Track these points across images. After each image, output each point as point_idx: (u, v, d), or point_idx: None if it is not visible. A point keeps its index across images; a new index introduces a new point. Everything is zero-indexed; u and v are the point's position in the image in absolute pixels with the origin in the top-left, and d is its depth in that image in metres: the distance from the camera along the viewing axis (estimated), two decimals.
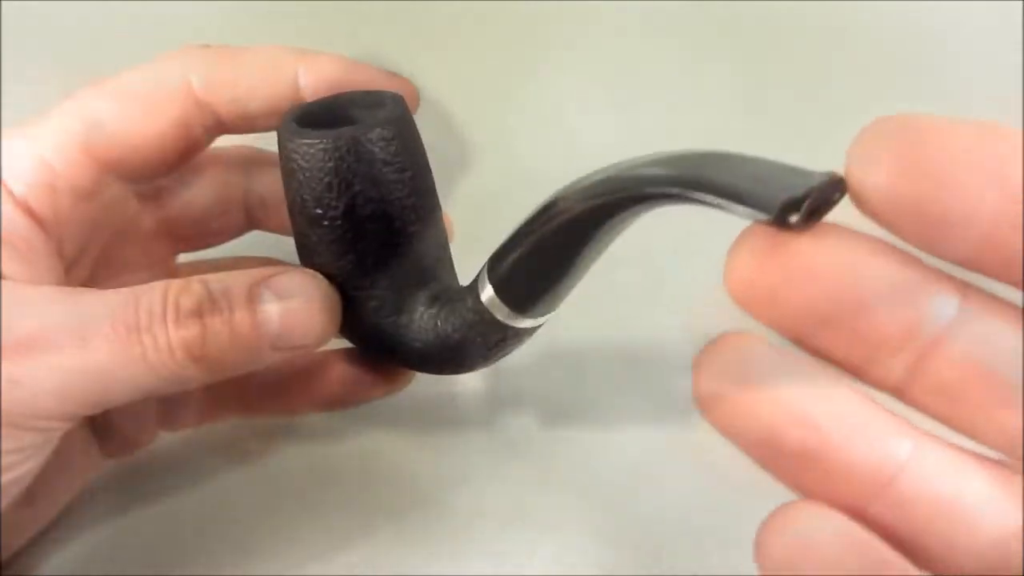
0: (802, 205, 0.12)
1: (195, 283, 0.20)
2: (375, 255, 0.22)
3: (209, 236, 0.27)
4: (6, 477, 0.19)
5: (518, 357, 0.27)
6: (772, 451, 0.14)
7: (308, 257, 0.22)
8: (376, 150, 0.21)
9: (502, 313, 0.21)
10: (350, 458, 0.28)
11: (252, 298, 0.20)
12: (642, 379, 0.31)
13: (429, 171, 0.23)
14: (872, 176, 0.13)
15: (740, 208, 0.13)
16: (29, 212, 0.21)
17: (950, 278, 0.13)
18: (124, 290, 0.19)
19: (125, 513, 0.26)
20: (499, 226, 0.28)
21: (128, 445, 0.26)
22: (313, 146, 0.21)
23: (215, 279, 0.20)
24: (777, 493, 0.27)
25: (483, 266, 0.21)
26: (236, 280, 0.20)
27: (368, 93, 0.23)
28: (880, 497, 0.14)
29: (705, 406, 0.15)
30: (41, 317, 0.19)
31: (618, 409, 0.30)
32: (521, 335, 0.22)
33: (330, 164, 0.21)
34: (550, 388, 0.30)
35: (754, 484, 0.27)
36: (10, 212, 0.21)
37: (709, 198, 0.13)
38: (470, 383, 0.28)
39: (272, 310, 0.20)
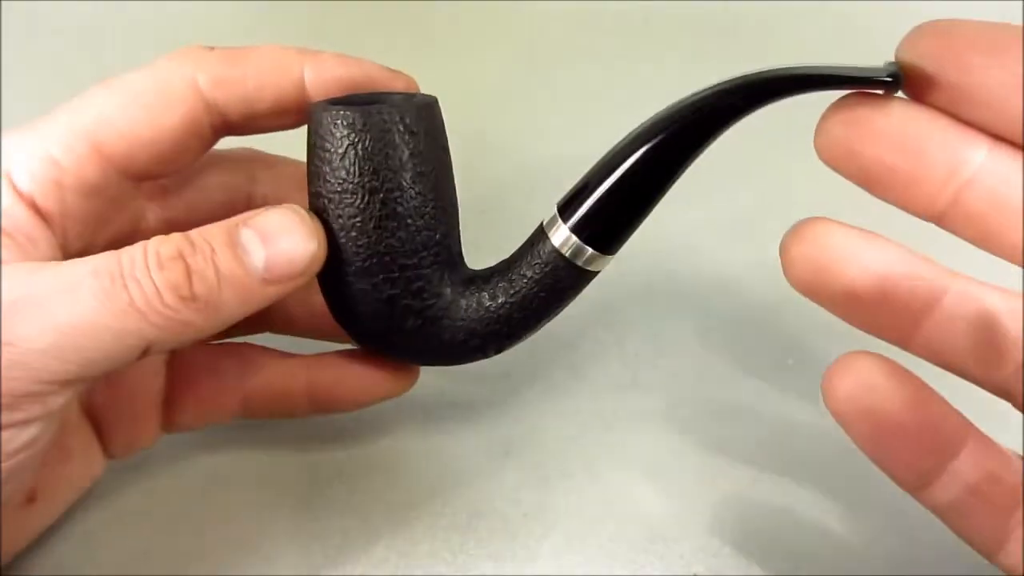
0: (900, 77, 0.18)
1: (173, 234, 0.20)
2: (424, 232, 0.22)
3: None
4: (11, 462, 0.19)
5: (518, 357, 0.27)
6: (849, 299, 0.19)
7: (352, 242, 0.22)
8: (427, 125, 0.22)
9: (581, 256, 0.22)
10: (350, 458, 0.28)
11: (231, 236, 0.20)
12: (644, 378, 0.31)
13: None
14: (918, 62, 0.18)
15: (853, 84, 0.18)
16: (34, 207, 0.21)
17: (982, 134, 0.18)
18: (106, 252, 0.20)
19: (125, 513, 0.26)
20: (485, 229, 0.28)
21: (130, 446, 0.26)
22: (377, 115, 0.21)
23: (193, 231, 0.20)
24: (774, 509, 0.27)
25: (544, 221, 0.23)
26: (213, 226, 0.21)
27: (382, 93, 0.24)
28: (929, 317, 0.19)
29: (794, 277, 0.20)
30: (28, 282, 0.19)
31: (620, 408, 0.30)
32: (584, 283, 0.23)
33: (392, 135, 0.21)
34: (550, 387, 0.30)
35: (754, 484, 0.27)
36: (13, 206, 0.21)
37: (834, 82, 0.18)
38: (471, 384, 0.28)
39: (254, 244, 0.20)
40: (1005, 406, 0.20)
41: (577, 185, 0.22)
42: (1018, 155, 0.17)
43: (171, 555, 0.26)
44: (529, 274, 0.23)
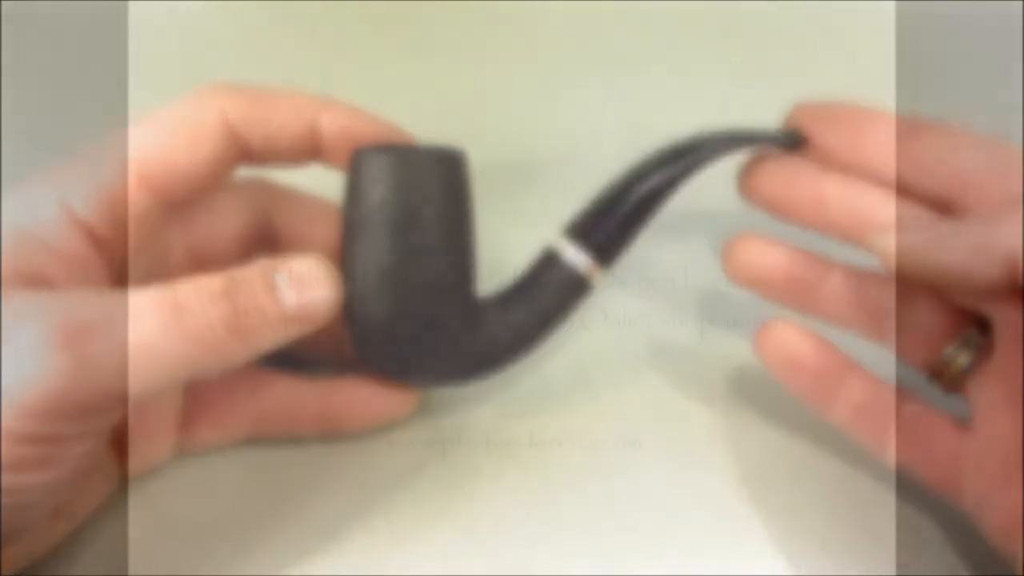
0: (803, 136, 0.26)
1: (218, 275, 0.22)
2: (454, 265, 0.25)
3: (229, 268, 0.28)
4: (63, 470, 0.21)
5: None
6: (767, 283, 0.27)
7: (390, 276, 0.24)
8: (456, 172, 0.25)
9: (591, 272, 0.26)
10: (350, 458, 0.28)
11: (267, 279, 0.23)
12: (644, 377, 0.31)
13: None
14: (812, 133, 0.27)
15: (768, 143, 0.27)
16: (91, 234, 0.23)
17: (833, 170, 0.26)
18: (157, 285, 0.22)
19: (125, 513, 0.26)
20: (485, 228, 0.28)
21: (144, 464, 0.27)
22: (415, 161, 0.24)
23: (233, 271, 0.23)
24: (775, 508, 0.27)
25: (554, 245, 0.26)
26: (251, 269, 0.23)
27: (416, 145, 0.26)
28: (820, 291, 0.27)
29: (730, 271, 0.27)
30: (100, 306, 0.21)
31: (620, 408, 0.30)
32: (588, 295, 0.27)
33: (427, 178, 0.24)
34: (551, 387, 0.30)
35: (754, 483, 0.27)
36: (72, 233, 0.22)
37: (762, 142, 0.27)
38: (471, 384, 0.28)
39: (286, 287, 0.23)
40: None
41: (580, 216, 0.26)
42: (859, 182, 0.26)
43: (171, 555, 0.26)
44: (550, 292, 0.26)
